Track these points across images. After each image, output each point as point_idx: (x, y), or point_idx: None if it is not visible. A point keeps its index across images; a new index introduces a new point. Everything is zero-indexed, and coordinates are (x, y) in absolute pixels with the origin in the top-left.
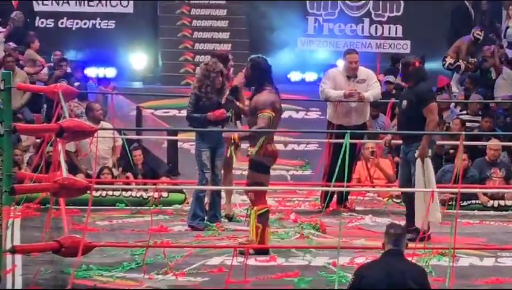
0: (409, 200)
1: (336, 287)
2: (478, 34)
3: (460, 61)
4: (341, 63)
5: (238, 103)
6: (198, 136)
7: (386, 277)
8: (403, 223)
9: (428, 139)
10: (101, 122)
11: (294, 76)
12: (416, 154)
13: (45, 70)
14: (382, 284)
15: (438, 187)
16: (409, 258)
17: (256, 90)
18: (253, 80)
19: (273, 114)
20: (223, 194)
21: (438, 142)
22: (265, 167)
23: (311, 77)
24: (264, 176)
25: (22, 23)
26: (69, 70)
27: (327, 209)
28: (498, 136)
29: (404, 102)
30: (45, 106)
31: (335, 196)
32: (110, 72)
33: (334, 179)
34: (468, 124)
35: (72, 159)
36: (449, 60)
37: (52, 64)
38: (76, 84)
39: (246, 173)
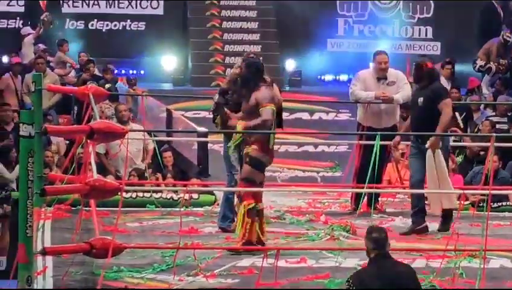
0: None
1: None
2: (508, 36)
3: (491, 63)
4: (371, 65)
5: (225, 109)
6: (226, 138)
7: (386, 282)
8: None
9: (441, 130)
10: (131, 123)
11: (323, 77)
12: (427, 145)
13: (72, 72)
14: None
15: (468, 189)
16: (439, 260)
17: (251, 90)
18: (248, 80)
19: (275, 108)
20: None
21: (469, 144)
22: (263, 165)
23: (340, 78)
24: (259, 174)
25: (51, 25)
26: (96, 72)
27: (358, 211)
28: None
29: (420, 99)
30: (76, 107)
31: (365, 197)
32: (139, 73)
33: (366, 181)
34: (498, 126)
35: (102, 160)
36: (480, 63)
37: (78, 66)
38: (107, 85)
39: (274, 174)
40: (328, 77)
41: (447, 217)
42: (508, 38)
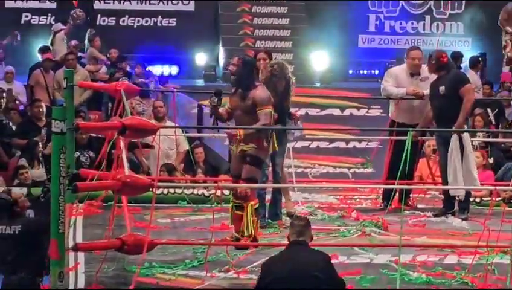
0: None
1: (397, 286)
2: None
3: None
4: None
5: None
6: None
7: (291, 269)
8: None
9: (465, 116)
10: (167, 121)
11: (355, 73)
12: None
13: (103, 69)
14: (288, 276)
15: (500, 185)
16: (470, 257)
17: (247, 88)
18: (244, 78)
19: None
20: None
21: (501, 140)
22: (263, 162)
23: (372, 74)
24: (260, 172)
25: (82, 21)
26: (128, 68)
27: (389, 207)
28: None
29: (442, 88)
30: (109, 104)
31: (397, 193)
32: (171, 70)
33: (397, 177)
34: None
35: (137, 156)
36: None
37: (109, 62)
38: (138, 81)
39: (305, 171)
40: (359, 73)
41: (448, 204)
42: None
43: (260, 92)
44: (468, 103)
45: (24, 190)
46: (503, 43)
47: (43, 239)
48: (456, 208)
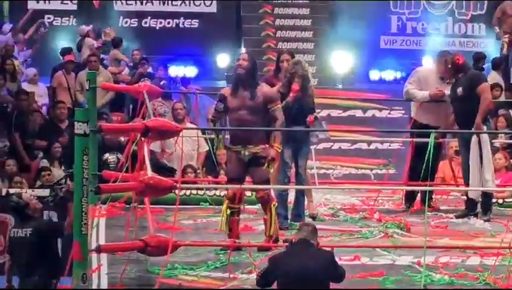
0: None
1: (422, 287)
2: None
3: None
4: (429, 63)
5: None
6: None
7: (298, 264)
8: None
9: (482, 115)
10: (187, 122)
11: (375, 75)
12: (473, 129)
13: (126, 70)
14: (295, 271)
15: None
16: (493, 258)
17: (255, 85)
18: (253, 75)
19: None
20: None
21: None
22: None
23: (392, 75)
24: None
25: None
26: (150, 69)
27: (411, 209)
28: None
29: (459, 89)
30: (131, 106)
31: (418, 195)
32: (192, 71)
33: (419, 179)
34: None
35: (158, 158)
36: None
37: (131, 63)
38: (162, 82)
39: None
40: (382, 75)
41: (471, 205)
42: None
43: (267, 88)
44: (485, 101)
45: (47, 192)
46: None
47: (53, 241)
48: (479, 209)
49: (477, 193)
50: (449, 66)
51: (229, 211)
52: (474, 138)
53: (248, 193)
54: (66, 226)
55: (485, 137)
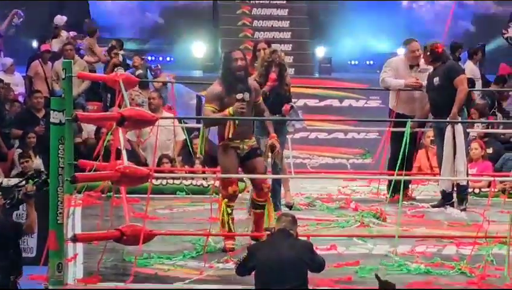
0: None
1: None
2: None
3: None
4: (402, 52)
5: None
6: (258, 124)
7: (277, 254)
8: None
9: (458, 106)
10: (163, 112)
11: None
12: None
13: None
14: (273, 260)
15: (499, 176)
16: (469, 247)
17: (248, 82)
18: (248, 75)
19: None
20: None
21: (498, 131)
22: None
23: (370, 65)
24: None
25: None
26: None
27: (390, 198)
28: None
29: (436, 79)
30: (109, 95)
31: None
32: (168, 60)
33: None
34: None
35: (134, 147)
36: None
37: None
38: (137, 72)
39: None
40: (358, 64)
41: (446, 196)
42: None
43: (254, 82)
44: (462, 93)
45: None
46: None
47: (12, 241)
48: (455, 199)
49: (449, 184)
50: (428, 53)
51: (229, 210)
52: (448, 129)
53: None
54: (26, 227)
55: (459, 128)
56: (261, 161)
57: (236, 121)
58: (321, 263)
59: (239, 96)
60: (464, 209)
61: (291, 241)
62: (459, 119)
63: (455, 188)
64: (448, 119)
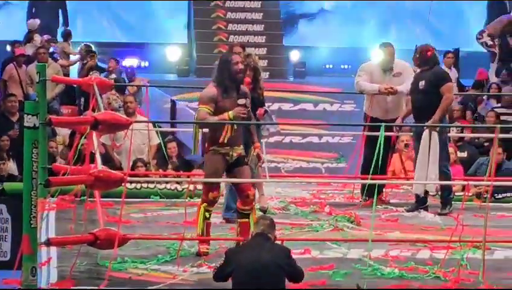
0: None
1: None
2: None
3: (497, 48)
4: (377, 56)
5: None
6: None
7: (254, 258)
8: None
9: (441, 114)
10: (138, 116)
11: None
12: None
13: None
14: (251, 265)
15: (472, 180)
16: (443, 251)
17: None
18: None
19: None
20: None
21: (473, 135)
22: None
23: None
24: None
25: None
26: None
27: (363, 203)
28: None
29: (422, 82)
30: (82, 99)
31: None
32: (143, 64)
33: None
34: (502, 117)
35: (108, 151)
36: (487, 39)
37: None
38: (112, 76)
39: (278, 165)
40: (333, 68)
41: (420, 200)
42: None
43: (244, 87)
44: (447, 101)
45: None
46: None
47: None
48: (430, 202)
49: (422, 189)
50: (417, 55)
51: (207, 215)
52: (425, 134)
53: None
54: None
55: (435, 137)
56: (247, 169)
57: (235, 126)
58: (301, 271)
59: (241, 101)
60: (445, 214)
61: (269, 245)
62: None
63: (436, 192)
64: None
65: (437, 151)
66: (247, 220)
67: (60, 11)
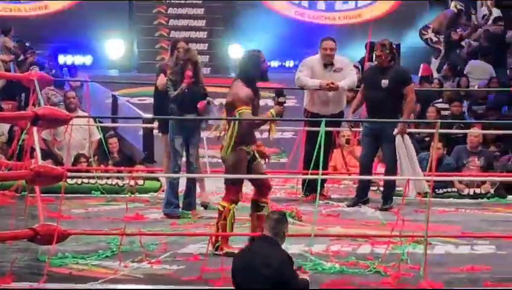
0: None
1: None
2: (461, 6)
3: (442, 45)
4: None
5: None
6: (172, 123)
7: (246, 263)
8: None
9: (407, 116)
10: (79, 111)
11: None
12: (395, 132)
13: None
14: (242, 269)
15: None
16: (383, 246)
17: None
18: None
19: None
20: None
21: (412, 130)
22: None
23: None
24: None
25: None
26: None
27: (305, 198)
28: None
29: (385, 81)
30: (23, 94)
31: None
32: (86, 60)
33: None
34: (443, 112)
35: (49, 146)
36: (431, 35)
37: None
38: (52, 71)
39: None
40: (274, 63)
41: (360, 192)
42: (461, 8)
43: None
44: (412, 102)
45: None
46: None
47: None
48: (370, 196)
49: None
50: (387, 51)
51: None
52: (398, 139)
53: (140, 182)
54: None
55: (407, 140)
56: (261, 163)
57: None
58: (304, 283)
59: (282, 99)
60: (386, 209)
61: (269, 251)
62: (406, 129)
63: (382, 188)
64: (395, 130)
65: (413, 153)
66: (263, 213)
67: None
